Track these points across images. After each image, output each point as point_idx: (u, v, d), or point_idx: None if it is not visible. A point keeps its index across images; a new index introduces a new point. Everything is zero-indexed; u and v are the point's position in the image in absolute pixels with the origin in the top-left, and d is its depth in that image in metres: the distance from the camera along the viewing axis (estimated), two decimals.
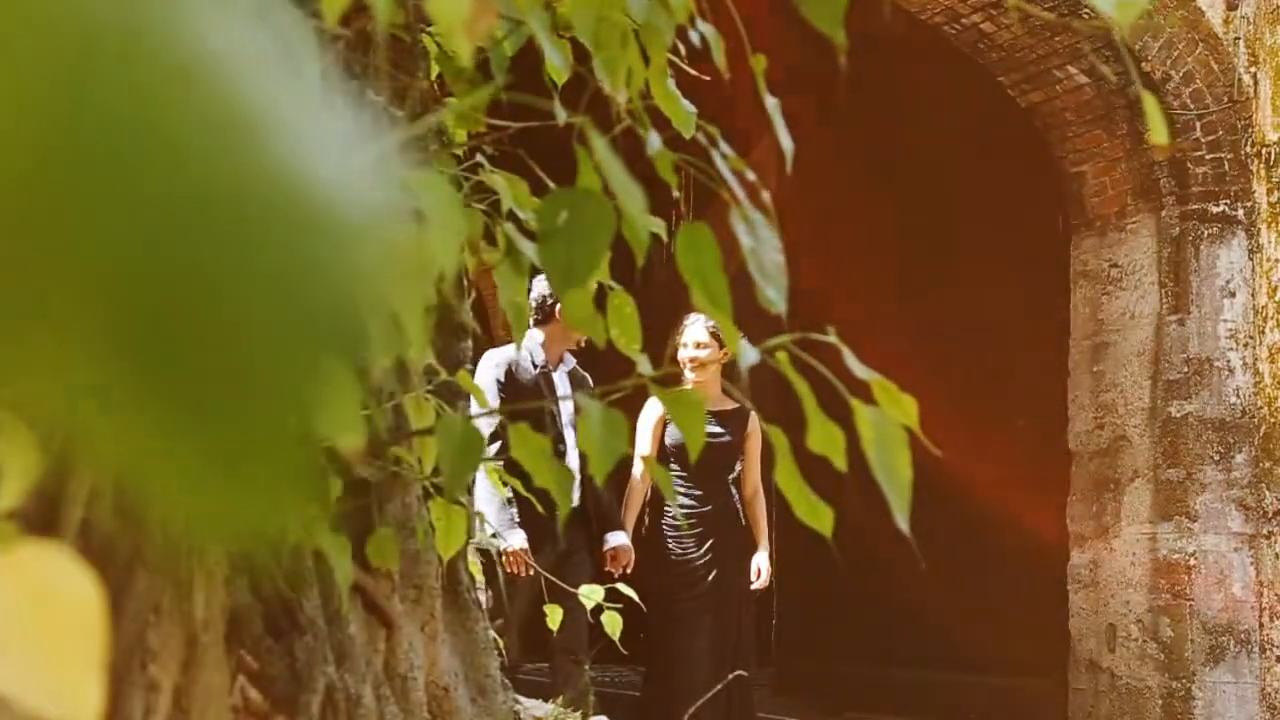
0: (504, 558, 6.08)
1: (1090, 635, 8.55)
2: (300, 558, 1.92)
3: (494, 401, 5.91)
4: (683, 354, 6.50)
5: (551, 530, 6.07)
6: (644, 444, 6.54)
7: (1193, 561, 8.06)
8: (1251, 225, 8.28)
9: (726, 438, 6.53)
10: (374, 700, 2.01)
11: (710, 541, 6.48)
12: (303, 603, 1.91)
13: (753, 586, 6.65)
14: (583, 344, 6.26)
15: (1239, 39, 8.35)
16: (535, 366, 6.25)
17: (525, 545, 6.07)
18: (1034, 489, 9.86)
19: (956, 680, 10.71)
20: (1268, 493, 8.03)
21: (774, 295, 1.46)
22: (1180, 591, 8.08)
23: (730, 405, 6.51)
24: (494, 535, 6.12)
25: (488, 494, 5.87)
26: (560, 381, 6.30)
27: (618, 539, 6.48)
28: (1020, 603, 10.24)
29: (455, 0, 0.78)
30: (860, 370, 1.41)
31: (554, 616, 2.98)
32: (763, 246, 1.48)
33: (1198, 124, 8.30)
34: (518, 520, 6.09)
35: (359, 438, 0.83)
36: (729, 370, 6.44)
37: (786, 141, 1.57)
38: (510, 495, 5.95)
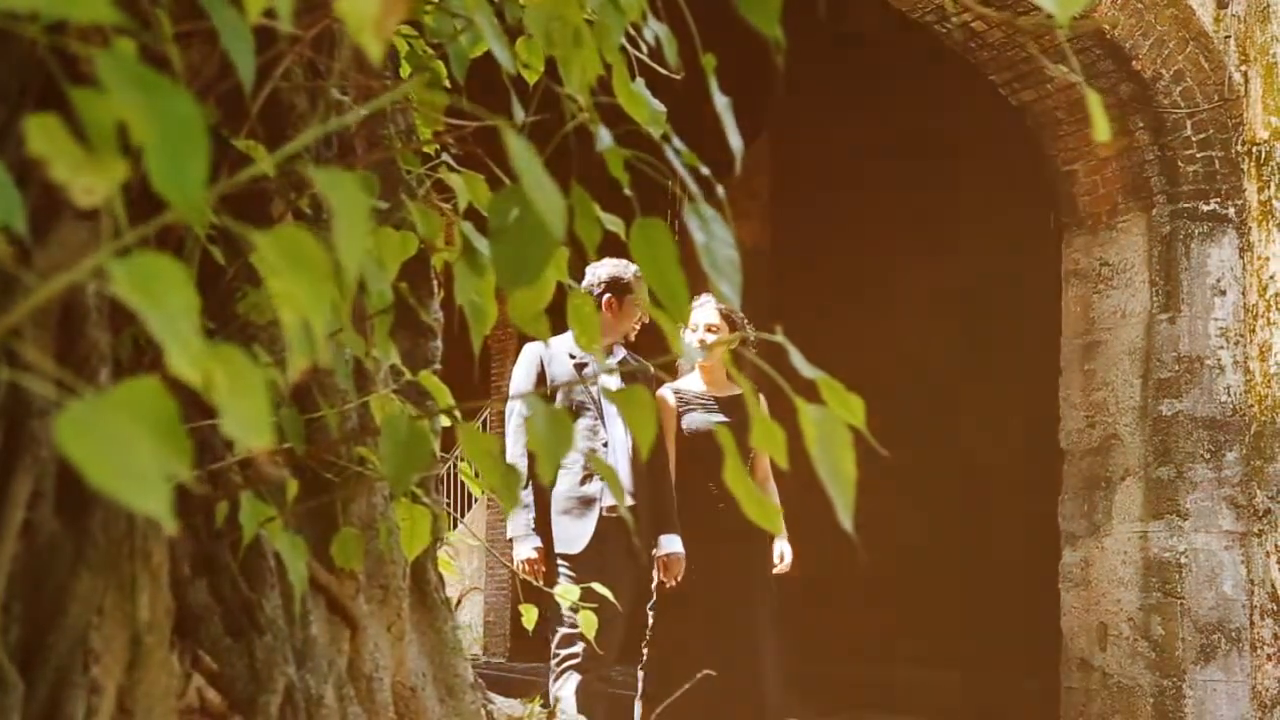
0: (516, 566, 5.78)
1: (1082, 634, 8.54)
2: (261, 557, 1.91)
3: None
4: (691, 338, 6.15)
5: (594, 531, 5.81)
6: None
7: (1184, 560, 8.06)
8: (1242, 223, 8.27)
9: (734, 427, 6.28)
10: (336, 701, 2.00)
11: (726, 535, 5.98)
12: (263, 603, 1.91)
13: (775, 570, 6.27)
14: (633, 337, 6.01)
15: (1229, 37, 8.34)
16: (571, 358, 5.88)
17: (534, 554, 5.80)
18: (1026, 487, 9.86)
19: (948, 679, 10.71)
20: (1258, 491, 8.03)
21: (728, 291, 1.46)
22: (1171, 590, 8.08)
23: (739, 390, 6.15)
24: (510, 541, 5.88)
25: None
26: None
27: (670, 545, 5.98)
28: (1012, 601, 10.24)
29: None
30: (806, 369, 1.40)
31: (529, 617, 2.95)
32: (716, 242, 1.47)
33: (1188, 122, 8.30)
34: (534, 526, 5.82)
35: (266, 438, 0.82)
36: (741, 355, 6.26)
37: (736, 141, 1.56)
38: (530, 501, 5.76)
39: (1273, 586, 7.94)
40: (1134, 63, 8.24)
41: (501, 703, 2.95)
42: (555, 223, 1.05)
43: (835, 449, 1.32)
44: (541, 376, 5.88)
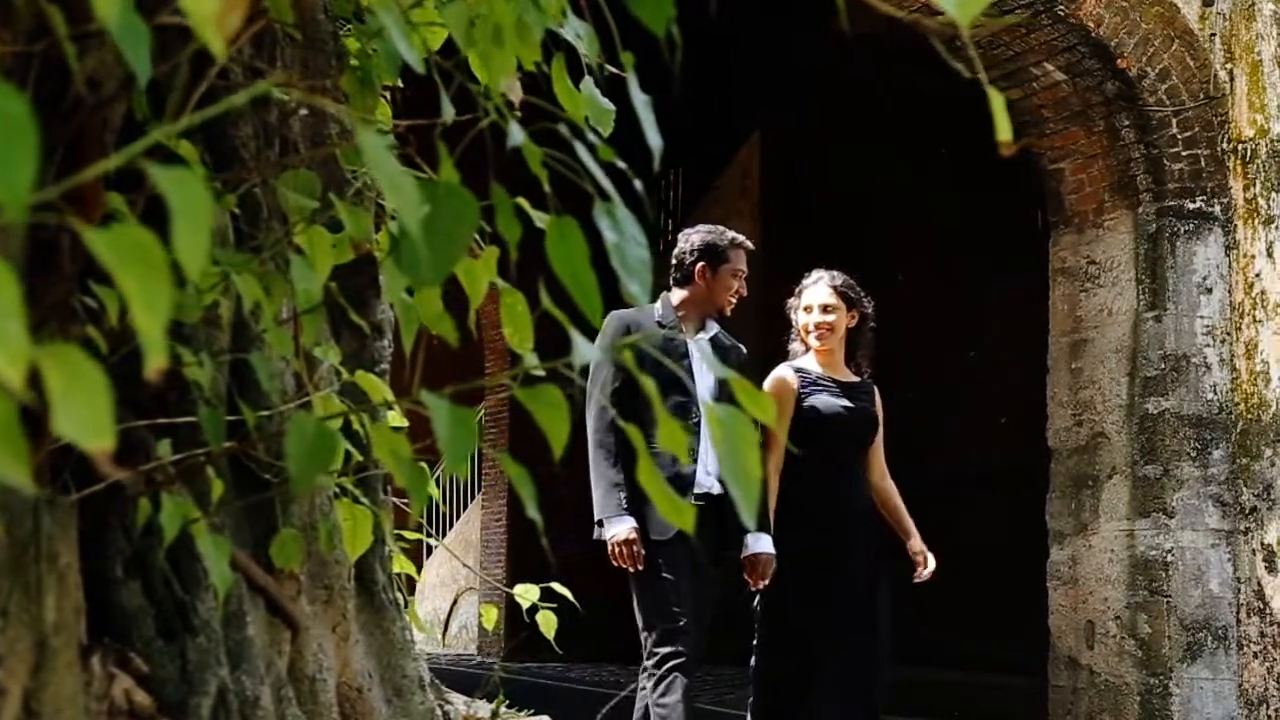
0: (609, 550, 5.22)
1: (1069, 632, 8.54)
2: (194, 558, 1.91)
3: (610, 371, 5.14)
4: (805, 319, 5.65)
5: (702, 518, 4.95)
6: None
7: (1170, 558, 8.05)
8: (1228, 221, 8.26)
9: (860, 411, 5.61)
10: (273, 702, 2.00)
11: (841, 531, 5.54)
12: (196, 604, 1.90)
13: (919, 579, 5.81)
14: (729, 311, 5.49)
15: (1215, 35, 8.33)
16: (661, 328, 5.27)
17: (633, 535, 5.15)
18: (1013, 485, 9.85)
19: (937, 678, 10.70)
20: (1244, 489, 8.02)
21: (636, 290, 1.45)
22: (1158, 588, 8.07)
23: (854, 377, 5.70)
24: (599, 523, 5.27)
25: (594, 475, 5.19)
26: (696, 348, 5.28)
27: (759, 545, 5.37)
28: (1000, 600, 10.23)
29: None
30: (717, 368, 1.40)
31: (489, 616, 2.95)
32: (626, 241, 1.46)
33: (1174, 120, 8.29)
34: (626, 506, 5.18)
35: (106, 439, 0.81)
36: (855, 337, 5.71)
37: (655, 140, 1.55)
38: (620, 478, 5.20)
39: (1259, 584, 7.93)
40: (1119, 61, 8.23)
41: (459, 702, 2.94)
42: (410, 219, 1.04)
43: (740, 448, 1.31)
44: None
